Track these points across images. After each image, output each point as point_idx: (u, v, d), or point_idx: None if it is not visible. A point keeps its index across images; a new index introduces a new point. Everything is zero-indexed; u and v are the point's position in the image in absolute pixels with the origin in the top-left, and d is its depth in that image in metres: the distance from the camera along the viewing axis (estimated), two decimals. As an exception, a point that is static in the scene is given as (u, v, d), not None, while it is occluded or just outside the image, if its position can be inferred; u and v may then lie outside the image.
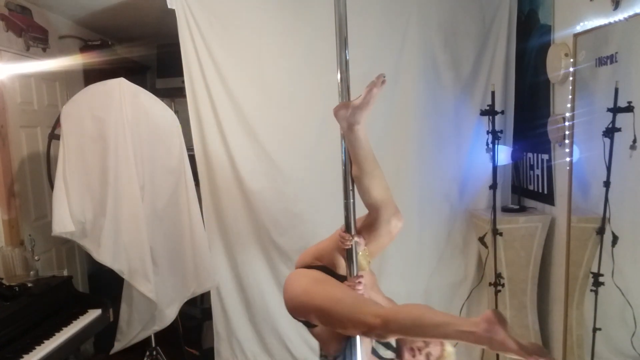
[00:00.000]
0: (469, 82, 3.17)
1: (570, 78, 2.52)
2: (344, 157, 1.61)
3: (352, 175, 1.60)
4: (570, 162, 2.55)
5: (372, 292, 1.66)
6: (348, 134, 1.57)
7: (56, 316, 2.49)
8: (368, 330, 1.38)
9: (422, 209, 3.22)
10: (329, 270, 1.68)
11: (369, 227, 1.67)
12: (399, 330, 1.37)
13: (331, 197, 2.58)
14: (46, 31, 3.30)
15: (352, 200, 1.59)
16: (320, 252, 1.73)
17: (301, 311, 1.62)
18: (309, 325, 1.66)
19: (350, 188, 1.60)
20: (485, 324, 1.21)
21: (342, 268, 1.65)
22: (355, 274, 1.59)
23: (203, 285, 2.95)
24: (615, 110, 2.20)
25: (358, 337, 1.53)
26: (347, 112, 1.55)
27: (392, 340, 1.66)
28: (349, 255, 1.59)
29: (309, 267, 1.71)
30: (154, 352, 3.02)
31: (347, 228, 1.59)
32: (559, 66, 2.57)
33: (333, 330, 1.59)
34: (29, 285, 2.48)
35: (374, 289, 1.69)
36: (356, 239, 1.58)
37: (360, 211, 1.67)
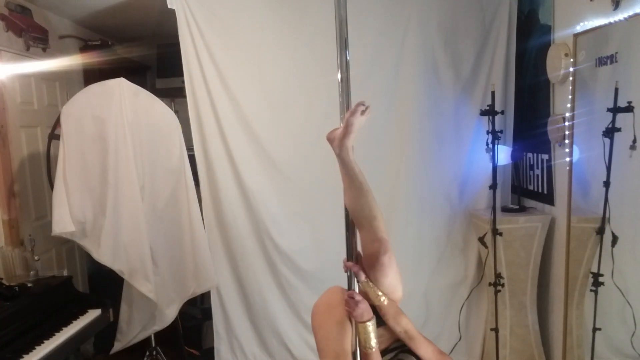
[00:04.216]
0: (469, 82, 3.17)
1: (570, 78, 2.52)
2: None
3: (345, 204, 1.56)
4: (570, 162, 2.55)
5: (398, 319, 1.58)
6: (338, 158, 1.58)
7: (56, 316, 2.49)
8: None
9: (422, 209, 3.22)
10: None
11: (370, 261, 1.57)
12: None
13: (331, 197, 2.58)
14: (46, 31, 3.30)
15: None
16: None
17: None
18: None
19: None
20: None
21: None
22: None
23: (203, 285, 2.95)
24: (615, 110, 2.20)
25: None
26: (334, 140, 1.57)
27: None
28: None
29: None
30: (154, 352, 3.02)
31: (347, 229, 1.59)
32: (559, 66, 2.57)
33: None
34: (29, 285, 2.48)
35: (397, 318, 1.59)
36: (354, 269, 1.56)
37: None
